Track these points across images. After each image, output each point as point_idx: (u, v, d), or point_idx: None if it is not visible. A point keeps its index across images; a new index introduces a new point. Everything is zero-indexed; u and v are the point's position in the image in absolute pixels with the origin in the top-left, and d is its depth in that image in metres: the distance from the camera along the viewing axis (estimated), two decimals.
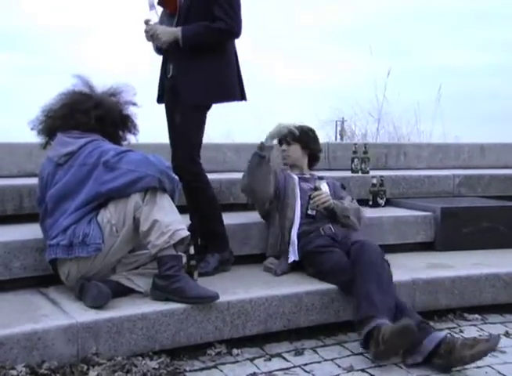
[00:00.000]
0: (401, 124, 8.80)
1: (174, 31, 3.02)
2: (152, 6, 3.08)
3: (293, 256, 3.18)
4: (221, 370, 2.51)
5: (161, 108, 3.24)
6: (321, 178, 3.46)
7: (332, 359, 2.66)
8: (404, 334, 2.50)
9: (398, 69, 17.90)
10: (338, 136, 11.39)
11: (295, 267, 3.20)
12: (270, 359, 2.64)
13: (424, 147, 5.49)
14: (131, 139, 3.06)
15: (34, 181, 2.98)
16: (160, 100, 3.26)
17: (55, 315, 2.47)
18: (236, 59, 3.18)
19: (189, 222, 3.19)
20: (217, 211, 3.22)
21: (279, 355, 2.69)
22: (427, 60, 20.04)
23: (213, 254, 3.16)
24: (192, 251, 2.91)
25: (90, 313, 2.48)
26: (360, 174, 4.48)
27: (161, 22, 3.09)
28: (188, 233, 2.70)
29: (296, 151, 3.60)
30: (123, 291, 2.70)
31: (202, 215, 3.17)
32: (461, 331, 3.04)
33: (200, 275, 2.98)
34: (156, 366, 2.40)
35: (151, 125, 3.56)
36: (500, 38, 21.46)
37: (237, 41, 3.17)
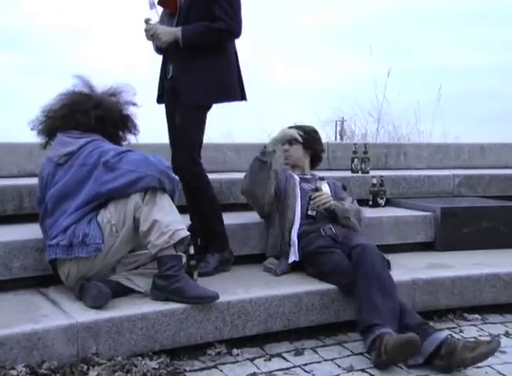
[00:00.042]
0: (401, 124, 8.81)
1: (174, 31, 3.02)
2: (152, 5, 3.08)
3: (293, 256, 3.18)
4: (221, 370, 2.51)
5: (161, 108, 3.24)
6: (322, 178, 3.46)
7: (332, 359, 2.66)
8: (407, 347, 2.50)
9: (398, 69, 17.90)
10: (338, 136, 11.39)
11: (295, 267, 3.19)
12: (270, 359, 2.64)
13: (424, 147, 5.49)
14: (131, 139, 3.06)
15: (34, 181, 2.98)
16: (159, 100, 3.26)
17: (55, 315, 2.47)
18: (236, 59, 3.18)
19: (189, 222, 3.19)
20: (217, 211, 3.22)
21: (279, 355, 2.69)
22: (427, 60, 20.04)
23: (213, 255, 3.16)
24: (192, 251, 2.91)
25: (90, 313, 2.48)
26: (360, 174, 4.48)
27: (161, 22, 3.09)
28: (188, 233, 2.70)
29: (298, 151, 3.59)
30: (123, 291, 2.70)
31: (202, 215, 3.17)
32: (461, 331, 3.04)
33: (200, 275, 2.98)
34: (156, 366, 2.40)
35: (151, 125, 3.56)
36: (500, 38, 21.46)
37: (237, 41, 3.17)
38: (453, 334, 2.93)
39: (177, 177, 2.88)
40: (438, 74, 15.48)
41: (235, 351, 2.66)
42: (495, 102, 15.17)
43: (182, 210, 2.87)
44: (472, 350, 2.50)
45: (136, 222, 2.66)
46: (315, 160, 3.69)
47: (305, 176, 3.56)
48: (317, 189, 3.30)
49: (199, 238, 3.12)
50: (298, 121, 3.71)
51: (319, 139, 3.70)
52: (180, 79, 3.07)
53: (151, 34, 3.03)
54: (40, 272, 2.83)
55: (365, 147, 4.63)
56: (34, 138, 2.95)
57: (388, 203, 4.27)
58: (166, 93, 3.19)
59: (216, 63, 3.07)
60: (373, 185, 4.22)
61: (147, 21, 3.05)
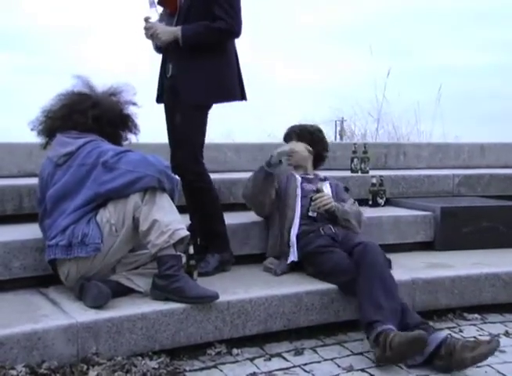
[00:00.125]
0: (400, 124, 8.83)
1: (174, 31, 3.02)
2: (152, 4, 3.08)
3: (292, 257, 3.18)
4: (221, 370, 2.51)
5: (161, 108, 3.24)
6: (325, 179, 3.45)
7: (332, 359, 2.66)
8: (415, 345, 2.48)
9: (398, 69, 17.94)
10: (338, 136, 11.41)
11: (295, 267, 3.19)
12: (270, 359, 2.64)
13: (424, 147, 5.49)
14: (132, 138, 3.06)
15: (34, 181, 2.98)
16: (159, 100, 3.26)
17: (55, 315, 2.47)
18: (236, 59, 3.18)
19: (189, 222, 3.19)
20: (219, 211, 3.22)
21: (279, 355, 2.69)
22: (427, 60, 20.06)
23: (213, 255, 3.16)
24: (191, 250, 2.91)
25: (90, 313, 2.48)
26: (360, 174, 4.48)
27: (161, 21, 3.09)
28: (187, 232, 2.70)
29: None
30: (123, 291, 2.71)
31: (204, 214, 3.16)
32: (461, 331, 3.04)
33: (200, 275, 2.98)
34: (156, 366, 2.40)
35: (151, 125, 3.56)
36: (500, 38, 21.47)
37: (237, 41, 3.17)
38: (453, 334, 2.93)
39: (176, 177, 2.88)
40: (438, 74, 15.51)
41: (235, 351, 2.66)
42: (495, 102, 15.19)
43: (181, 210, 2.87)
44: (472, 350, 2.50)
45: (136, 222, 2.66)
46: (319, 160, 3.67)
47: (308, 176, 3.54)
48: (318, 191, 3.29)
49: (199, 238, 3.12)
50: (304, 120, 3.69)
51: (322, 138, 3.68)
52: (180, 78, 3.06)
53: (150, 34, 3.04)
54: (40, 272, 2.83)
55: (364, 147, 4.62)
56: (34, 138, 2.95)
57: (388, 203, 4.26)
58: (166, 92, 3.18)
59: (216, 62, 3.07)
60: (373, 185, 4.22)
61: (147, 19, 3.06)
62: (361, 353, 2.70)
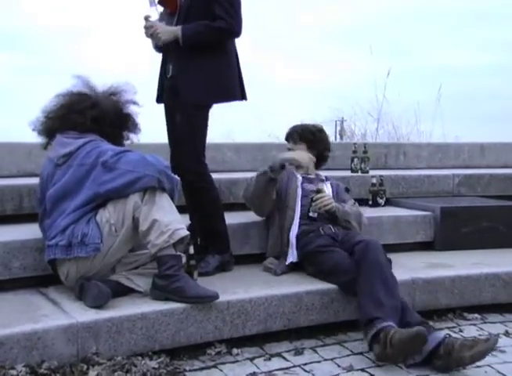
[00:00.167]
0: (400, 124, 8.83)
1: (174, 30, 3.01)
2: (152, 3, 3.08)
3: (291, 257, 3.18)
4: (221, 370, 2.51)
5: (161, 108, 3.24)
6: (326, 178, 3.44)
7: (332, 359, 2.66)
8: (416, 341, 2.48)
9: (398, 69, 17.91)
10: (338, 136, 11.40)
11: (295, 267, 3.19)
12: (270, 359, 2.64)
13: (424, 147, 5.49)
14: (133, 138, 3.05)
15: (34, 181, 2.98)
16: (159, 100, 3.25)
17: (55, 315, 2.47)
18: (236, 59, 3.17)
19: (189, 222, 3.19)
20: (219, 210, 3.22)
21: (278, 354, 2.69)
22: (427, 60, 20.04)
23: (213, 256, 3.16)
24: (191, 250, 2.91)
25: (90, 313, 2.48)
26: (360, 173, 4.48)
27: (161, 21, 3.09)
28: (187, 232, 2.70)
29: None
30: (123, 291, 2.71)
31: (204, 214, 3.16)
32: (461, 331, 3.04)
33: (200, 275, 2.98)
34: (156, 366, 2.40)
35: (151, 125, 3.55)
36: (500, 38, 21.43)
37: (237, 41, 3.17)
38: (453, 334, 2.92)
39: (176, 176, 2.88)
40: (438, 74, 15.49)
41: (235, 350, 2.66)
42: (495, 102, 15.18)
43: (181, 210, 2.87)
44: (470, 349, 2.50)
45: (135, 222, 2.66)
46: (320, 160, 3.64)
47: (309, 176, 3.53)
48: (319, 191, 3.29)
49: (199, 238, 3.12)
50: (305, 119, 3.68)
51: (324, 138, 3.67)
52: (180, 78, 3.06)
53: (151, 33, 3.03)
54: (40, 272, 2.83)
55: (364, 147, 4.63)
56: (33, 138, 2.95)
57: (388, 202, 4.26)
58: (166, 92, 3.18)
59: (216, 62, 3.07)
60: (373, 184, 4.22)
61: (147, 18, 3.05)
62: (361, 353, 2.70)
